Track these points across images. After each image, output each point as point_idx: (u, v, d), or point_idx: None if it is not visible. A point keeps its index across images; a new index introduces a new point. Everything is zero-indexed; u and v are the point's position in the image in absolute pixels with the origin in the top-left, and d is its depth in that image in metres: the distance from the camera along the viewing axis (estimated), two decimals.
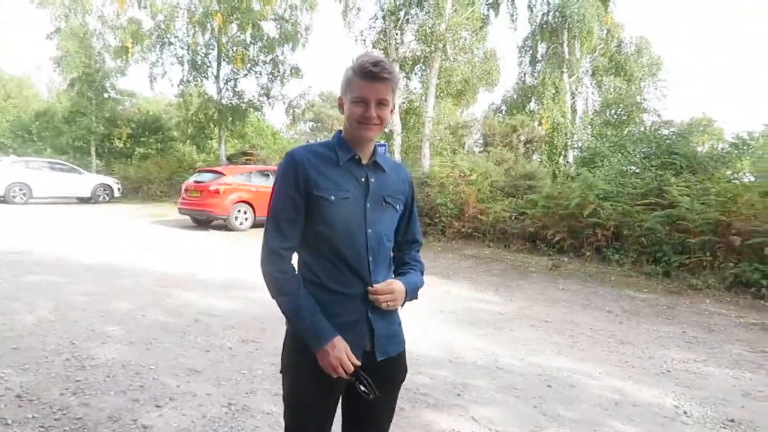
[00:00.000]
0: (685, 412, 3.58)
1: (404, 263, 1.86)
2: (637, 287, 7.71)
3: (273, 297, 1.62)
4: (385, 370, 1.67)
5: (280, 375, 1.72)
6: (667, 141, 11.60)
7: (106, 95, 27.00)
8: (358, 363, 1.57)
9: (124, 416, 3.07)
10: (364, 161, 1.67)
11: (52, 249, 8.79)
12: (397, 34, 17.09)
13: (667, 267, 8.24)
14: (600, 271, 8.68)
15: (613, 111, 18.89)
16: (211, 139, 26.70)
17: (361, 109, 1.56)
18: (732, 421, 3.47)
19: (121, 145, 29.21)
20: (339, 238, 1.60)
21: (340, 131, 1.71)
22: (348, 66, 1.63)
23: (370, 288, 1.61)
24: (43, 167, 19.89)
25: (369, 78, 1.54)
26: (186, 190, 13.02)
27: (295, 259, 1.69)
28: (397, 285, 1.65)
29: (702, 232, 8.16)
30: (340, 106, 1.68)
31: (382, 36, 17.20)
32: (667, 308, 6.63)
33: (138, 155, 29.07)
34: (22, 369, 3.68)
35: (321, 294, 1.62)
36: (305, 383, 1.63)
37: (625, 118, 18.06)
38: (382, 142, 16.35)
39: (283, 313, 1.62)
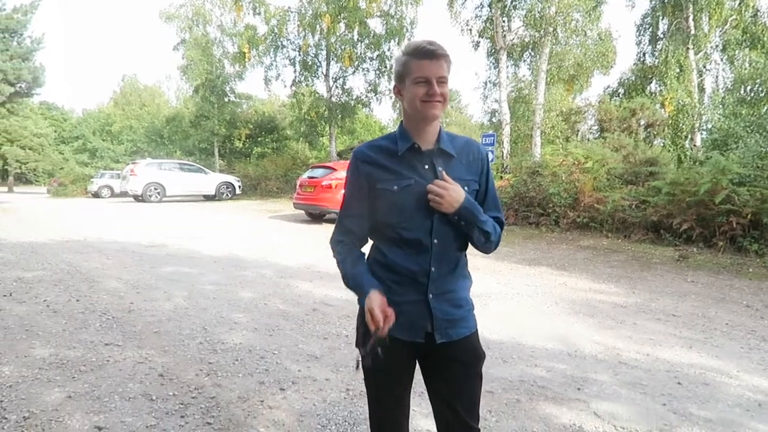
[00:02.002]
0: None
1: None
2: None
3: (338, 264, 1.78)
4: (449, 352, 1.72)
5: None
6: None
7: (226, 99, 28.89)
8: (389, 313, 1.58)
9: (252, 397, 3.27)
10: (426, 147, 1.69)
11: (184, 243, 9.56)
12: (504, 21, 16.67)
13: None
14: (735, 262, 7.94)
15: (748, 88, 17.07)
16: (322, 136, 27.71)
17: (425, 88, 1.59)
18: None
19: (241, 145, 31.18)
20: (405, 224, 1.66)
21: (402, 121, 1.74)
22: (398, 55, 1.69)
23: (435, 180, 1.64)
24: (173, 168, 21.74)
25: (428, 56, 1.58)
26: (300, 185, 13.59)
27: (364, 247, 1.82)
28: (458, 188, 1.63)
29: None
30: (398, 94, 1.70)
31: (488, 24, 16.86)
32: None
33: (256, 154, 30.87)
34: (163, 351, 4.03)
35: (388, 274, 1.71)
36: (384, 365, 1.67)
37: (763, 95, 16.29)
38: (491, 132, 16.05)
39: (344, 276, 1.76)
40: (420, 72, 1.59)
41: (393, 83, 1.73)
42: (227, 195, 22.08)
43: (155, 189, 20.47)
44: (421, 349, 1.71)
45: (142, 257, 8.04)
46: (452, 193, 1.61)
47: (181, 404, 3.15)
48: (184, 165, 22.65)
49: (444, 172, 1.64)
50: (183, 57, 28.35)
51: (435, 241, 1.66)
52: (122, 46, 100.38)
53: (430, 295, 1.67)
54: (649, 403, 3.32)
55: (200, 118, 28.76)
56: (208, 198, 21.94)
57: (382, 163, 1.68)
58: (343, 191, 1.80)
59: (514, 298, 6.06)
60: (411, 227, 1.65)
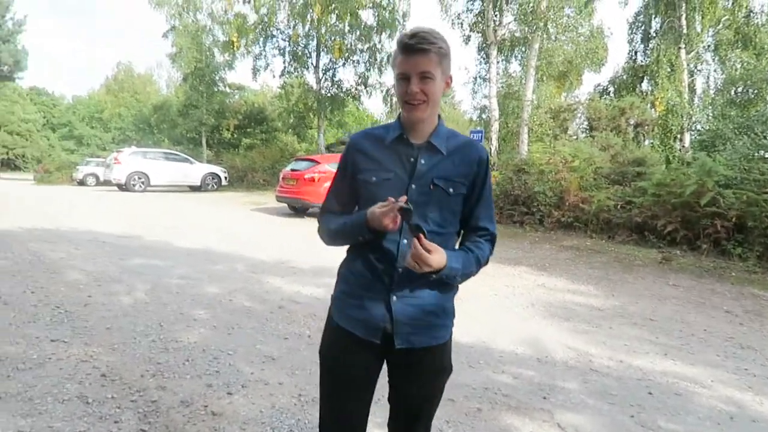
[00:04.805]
0: None
1: (462, 245, 1.68)
2: (763, 285, 6.84)
3: (329, 242, 1.70)
4: (411, 359, 1.59)
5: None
6: None
7: (215, 88, 28.48)
8: (395, 201, 1.43)
9: (196, 401, 3.07)
10: (415, 140, 1.56)
11: (160, 234, 9.31)
12: (495, 15, 16.46)
13: None
14: (718, 266, 7.80)
15: (739, 89, 16.93)
16: (311, 128, 27.39)
17: (404, 86, 1.48)
18: None
19: (229, 135, 30.77)
20: None
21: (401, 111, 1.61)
22: None
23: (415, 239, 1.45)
24: (159, 157, 21.40)
25: (408, 51, 1.46)
26: (283, 178, 13.37)
27: None
28: (440, 252, 1.46)
29: None
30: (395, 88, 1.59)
31: (479, 18, 16.65)
32: None
33: (244, 145, 30.51)
34: (111, 349, 3.81)
35: (351, 264, 1.64)
36: (340, 365, 1.63)
37: (753, 96, 16.13)
38: (479, 128, 15.86)
39: (338, 239, 1.66)
40: (400, 68, 1.49)
41: None
42: (213, 186, 21.76)
43: (139, 178, 20.13)
44: (381, 350, 1.59)
45: (113, 248, 7.79)
46: (434, 262, 1.43)
47: (118, 408, 2.95)
48: (170, 154, 22.30)
49: (421, 239, 1.41)
50: (172, 44, 27.93)
51: (404, 241, 1.53)
52: (117, 32, 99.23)
53: (393, 297, 1.54)
54: (617, 415, 3.16)
55: (188, 107, 28.36)
56: (193, 189, 21.61)
57: (368, 152, 1.59)
58: (326, 184, 1.73)
59: (491, 298, 5.89)
60: None
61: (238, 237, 9.55)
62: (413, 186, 1.54)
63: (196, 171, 21.63)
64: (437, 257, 1.43)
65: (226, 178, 22.50)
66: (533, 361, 4.02)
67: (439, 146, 1.57)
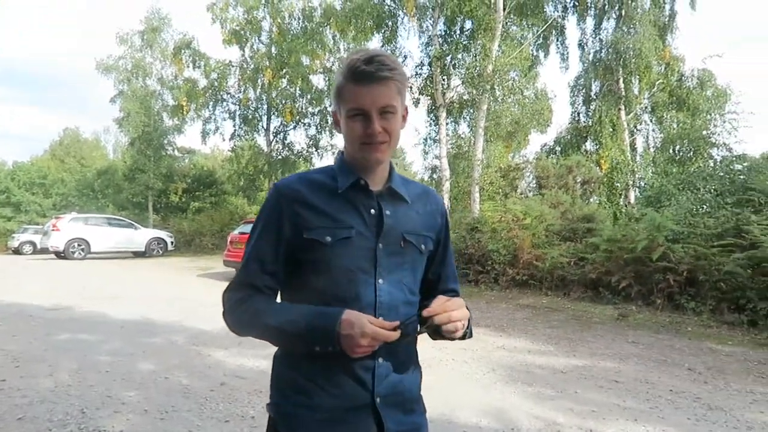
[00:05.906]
0: None
1: None
2: (719, 339, 6.79)
3: (249, 335, 1.22)
4: None
5: None
6: (741, 176, 10.62)
7: (164, 152, 28.02)
8: (390, 325, 1.11)
9: None
10: (374, 187, 1.23)
11: (93, 305, 8.66)
12: (443, 80, 16.88)
13: (753, 315, 7.28)
14: (674, 320, 7.76)
15: (677, 147, 17.81)
16: (262, 191, 27.09)
17: (362, 125, 1.14)
18: None
19: (177, 199, 30.04)
20: (338, 292, 1.16)
21: (342, 152, 1.28)
22: (338, 70, 1.20)
23: (425, 311, 1.14)
24: (101, 223, 20.58)
25: (365, 81, 1.12)
26: (231, 242, 12.92)
27: None
28: (459, 302, 1.19)
29: None
30: (336, 124, 1.24)
31: (428, 82, 17.03)
32: (759, 364, 5.72)
33: (193, 209, 29.80)
34: None
35: (312, 366, 1.17)
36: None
37: (690, 154, 16.98)
38: (431, 188, 15.90)
39: (271, 338, 1.20)
40: (355, 102, 1.15)
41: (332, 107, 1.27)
42: (158, 251, 20.95)
43: (79, 245, 19.19)
44: None
45: (39, 322, 7.14)
46: (463, 311, 1.20)
47: None
48: (113, 220, 21.50)
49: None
50: (120, 109, 27.51)
51: (380, 318, 1.15)
52: (63, 97, 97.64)
53: (378, 399, 1.18)
54: None
55: (135, 171, 27.67)
56: (137, 255, 20.74)
57: (313, 203, 1.20)
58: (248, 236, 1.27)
59: (449, 365, 5.57)
60: (346, 297, 1.16)
61: (180, 305, 8.97)
62: (380, 245, 1.21)
63: (141, 236, 20.85)
64: (459, 307, 1.19)
65: (172, 242, 21.76)
66: None
67: (402, 192, 1.27)
